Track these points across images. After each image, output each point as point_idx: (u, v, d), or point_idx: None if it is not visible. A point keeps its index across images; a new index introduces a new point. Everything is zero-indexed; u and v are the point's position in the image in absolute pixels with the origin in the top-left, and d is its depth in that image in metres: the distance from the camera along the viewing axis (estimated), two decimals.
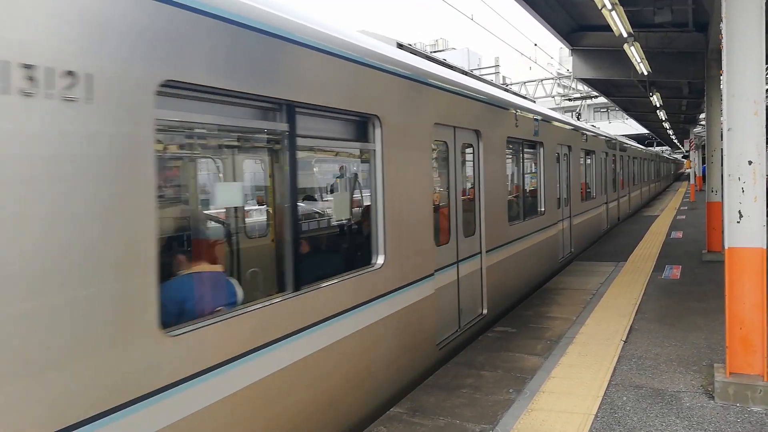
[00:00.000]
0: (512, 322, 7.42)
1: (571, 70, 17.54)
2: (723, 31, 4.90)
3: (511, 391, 5.17)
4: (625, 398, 4.95)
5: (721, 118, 10.83)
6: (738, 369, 4.89)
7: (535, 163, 10.07)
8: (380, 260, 4.86)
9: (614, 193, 18.34)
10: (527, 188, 9.75)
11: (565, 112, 22.72)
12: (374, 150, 4.91)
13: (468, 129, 6.82)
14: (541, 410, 4.72)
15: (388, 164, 4.95)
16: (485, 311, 7.23)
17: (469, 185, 7.19)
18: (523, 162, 9.39)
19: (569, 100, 27.23)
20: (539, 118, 9.75)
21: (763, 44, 4.77)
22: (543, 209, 10.03)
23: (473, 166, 7.18)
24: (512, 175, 9.21)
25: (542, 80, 32.41)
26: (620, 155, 19.66)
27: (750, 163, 4.81)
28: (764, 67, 4.89)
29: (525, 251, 8.85)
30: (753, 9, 4.77)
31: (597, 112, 59.98)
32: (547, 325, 7.27)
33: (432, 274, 5.71)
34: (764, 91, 4.95)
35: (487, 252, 7.24)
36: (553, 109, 18.29)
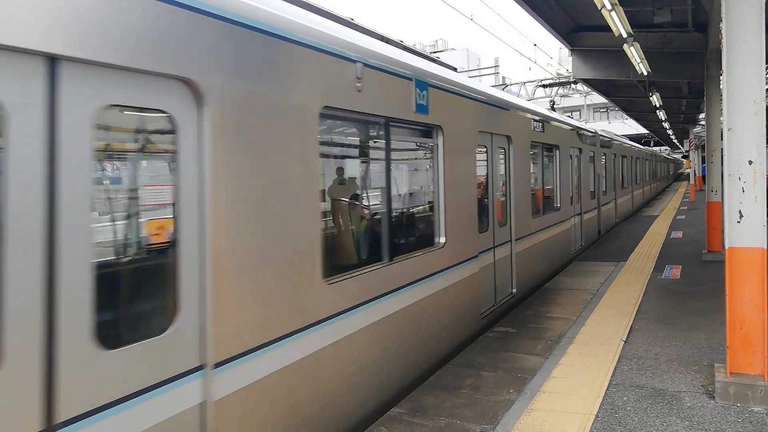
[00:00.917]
0: (512, 322, 7.42)
1: (570, 71, 17.52)
2: (723, 31, 4.91)
3: (511, 391, 5.17)
4: (625, 398, 4.95)
5: (721, 118, 10.85)
6: (738, 369, 4.89)
7: (430, 163, 6.30)
8: None
9: (592, 201, 14.73)
10: (402, 205, 6.25)
11: (564, 112, 22.51)
12: None
13: (153, 74, 2.94)
14: (541, 410, 4.72)
15: None
16: None
17: (164, 213, 3.16)
18: (389, 160, 5.35)
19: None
20: (431, 84, 5.91)
21: (763, 44, 4.77)
22: (443, 239, 6.21)
23: (179, 164, 3.11)
24: (347, 182, 5.50)
25: (542, 80, 32.40)
26: (602, 153, 16.27)
27: (750, 162, 4.81)
28: (764, 67, 4.89)
29: (389, 322, 5.10)
30: (753, 9, 4.77)
31: (596, 112, 60.09)
32: (547, 325, 7.27)
33: None
34: (764, 91, 4.96)
35: (232, 363, 3.37)
36: (552, 109, 18.12)
